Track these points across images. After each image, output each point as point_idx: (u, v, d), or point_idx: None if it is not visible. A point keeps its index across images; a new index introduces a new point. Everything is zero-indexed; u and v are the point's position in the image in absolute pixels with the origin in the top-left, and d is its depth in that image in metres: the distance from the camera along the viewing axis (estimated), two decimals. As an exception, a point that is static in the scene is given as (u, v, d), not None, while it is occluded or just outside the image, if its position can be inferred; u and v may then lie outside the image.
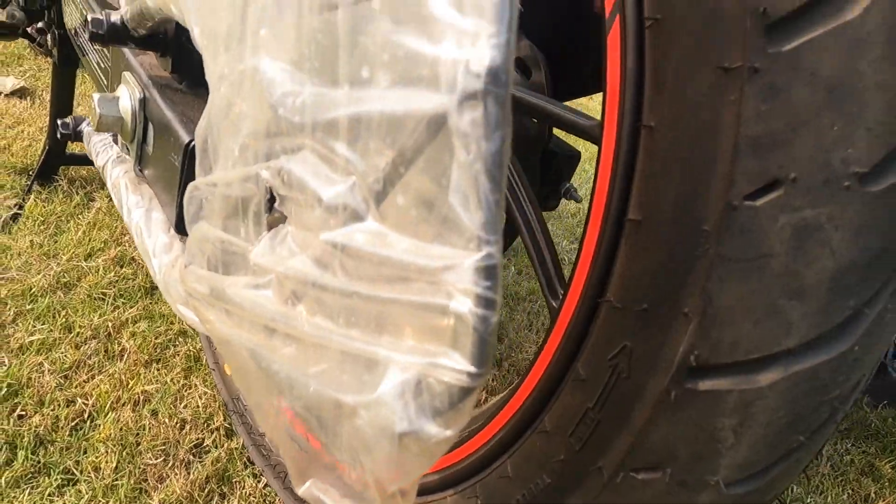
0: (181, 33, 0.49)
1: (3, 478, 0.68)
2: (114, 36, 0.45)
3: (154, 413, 0.82)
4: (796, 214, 0.29)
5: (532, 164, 0.82)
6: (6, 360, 0.84)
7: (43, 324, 0.93)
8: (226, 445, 0.81)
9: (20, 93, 1.73)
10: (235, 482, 0.76)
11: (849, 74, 0.27)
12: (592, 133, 0.42)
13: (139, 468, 0.74)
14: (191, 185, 0.41)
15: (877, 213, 0.29)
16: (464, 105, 0.21)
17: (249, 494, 0.75)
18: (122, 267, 1.11)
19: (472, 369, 0.20)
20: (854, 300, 0.30)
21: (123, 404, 0.83)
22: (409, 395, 0.21)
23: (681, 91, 0.31)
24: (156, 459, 0.76)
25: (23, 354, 0.86)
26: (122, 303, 1.02)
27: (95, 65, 0.77)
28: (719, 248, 0.30)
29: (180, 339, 0.97)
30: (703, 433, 0.33)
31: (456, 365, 0.20)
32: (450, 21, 0.20)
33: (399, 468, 0.23)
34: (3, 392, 0.79)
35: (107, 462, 0.73)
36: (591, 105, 2.57)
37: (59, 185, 1.31)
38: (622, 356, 0.35)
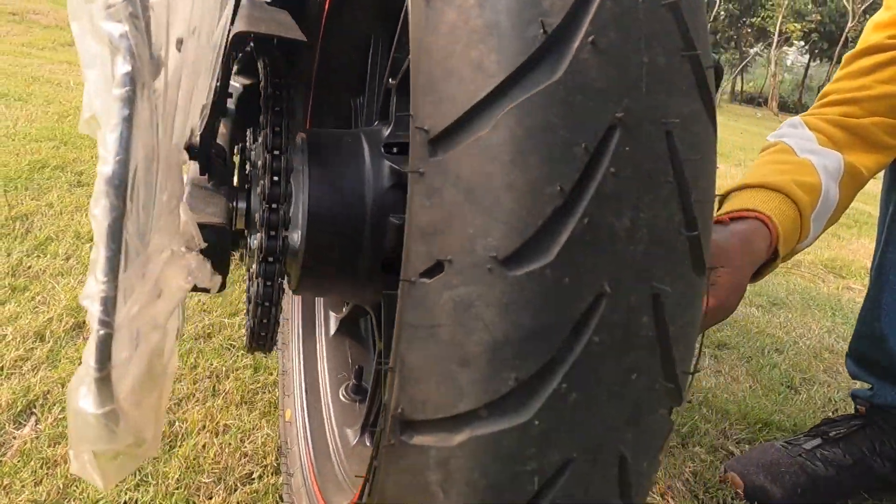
0: (205, 145, 0.69)
1: (103, 469, 0.90)
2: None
3: (224, 443, 1.00)
4: (455, 291, 0.34)
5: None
6: (142, 385, 1.11)
7: (177, 361, 1.19)
8: (270, 480, 0.95)
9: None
10: (262, 512, 0.89)
11: (483, 179, 0.33)
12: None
13: (195, 483, 0.92)
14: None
15: (523, 295, 0.33)
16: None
17: (267, 524, 0.87)
18: (253, 325, 1.37)
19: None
20: (515, 373, 0.33)
21: (206, 431, 1.02)
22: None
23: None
24: (209, 479, 0.93)
25: (156, 382, 1.13)
26: (241, 354, 1.26)
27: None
28: (404, 315, 0.36)
29: (270, 389, 1.17)
30: (419, 487, 0.37)
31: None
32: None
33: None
34: (131, 407, 1.04)
35: (174, 473, 0.92)
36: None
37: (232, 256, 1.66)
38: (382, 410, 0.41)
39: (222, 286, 0.66)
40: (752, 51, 22.05)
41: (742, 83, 22.43)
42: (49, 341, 1.20)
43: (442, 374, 0.35)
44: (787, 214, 0.78)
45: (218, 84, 0.64)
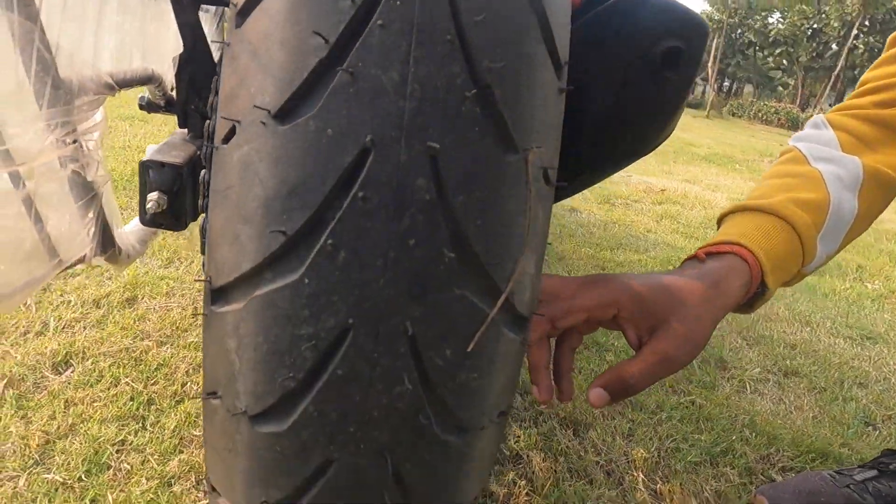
0: (183, 101, 0.75)
1: (105, 394, 0.98)
2: (150, 107, 0.74)
3: (226, 405, 1.05)
4: (241, 151, 0.35)
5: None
6: (168, 351, 1.19)
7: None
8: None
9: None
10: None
11: (264, 38, 0.34)
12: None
13: (189, 436, 0.97)
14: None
15: (289, 148, 0.33)
16: None
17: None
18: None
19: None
20: (284, 227, 0.33)
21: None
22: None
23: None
24: (202, 433, 0.97)
25: (185, 350, 1.21)
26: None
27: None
28: (211, 183, 0.37)
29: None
30: (222, 358, 0.38)
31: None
32: None
33: None
34: (154, 367, 1.13)
35: (171, 424, 0.98)
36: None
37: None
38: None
39: (181, 225, 0.71)
40: None
41: (886, 121, 20.35)
42: (103, 308, 1.33)
43: (231, 234, 0.36)
44: (781, 240, 0.68)
45: (190, 41, 0.71)
